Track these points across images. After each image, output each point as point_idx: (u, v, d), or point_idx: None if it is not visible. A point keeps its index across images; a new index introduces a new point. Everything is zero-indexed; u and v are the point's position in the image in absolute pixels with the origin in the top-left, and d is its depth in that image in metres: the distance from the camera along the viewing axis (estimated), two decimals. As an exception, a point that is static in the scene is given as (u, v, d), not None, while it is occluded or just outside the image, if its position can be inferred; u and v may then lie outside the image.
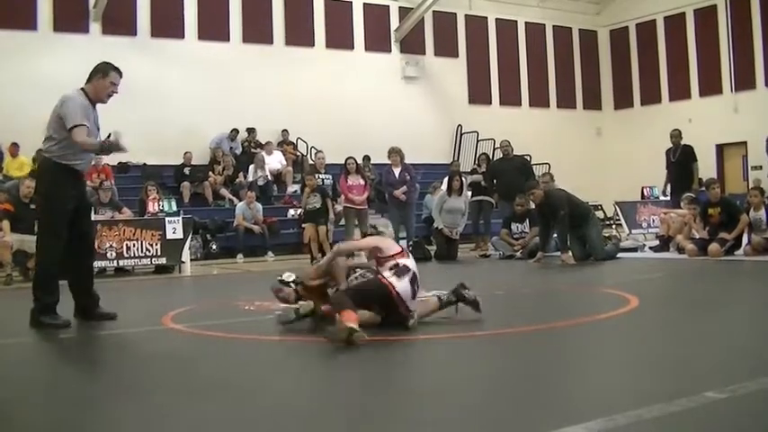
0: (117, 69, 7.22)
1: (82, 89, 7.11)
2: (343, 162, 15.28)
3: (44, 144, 7.00)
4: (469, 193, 16.64)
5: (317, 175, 15.45)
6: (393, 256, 6.15)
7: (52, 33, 19.01)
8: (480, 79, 25.59)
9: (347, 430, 3.51)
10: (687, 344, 5.27)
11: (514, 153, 16.38)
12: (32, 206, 12.69)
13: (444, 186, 15.74)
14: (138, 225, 13.25)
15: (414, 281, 6.08)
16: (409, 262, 6.21)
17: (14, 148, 17.26)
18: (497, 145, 18.60)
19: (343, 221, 15.50)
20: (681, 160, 15.43)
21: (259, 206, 17.19)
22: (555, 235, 12.93)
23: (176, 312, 7.50)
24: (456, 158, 23.42)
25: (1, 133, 17.45)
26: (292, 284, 6.50)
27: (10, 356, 5.80)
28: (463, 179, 15.60)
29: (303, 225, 15.74)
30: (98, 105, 7.28)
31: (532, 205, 13.59)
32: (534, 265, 12.42)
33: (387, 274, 6.02)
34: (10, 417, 3.95)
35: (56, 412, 4.01)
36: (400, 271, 6.05)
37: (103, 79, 7.20)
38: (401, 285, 5.98)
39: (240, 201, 17.49)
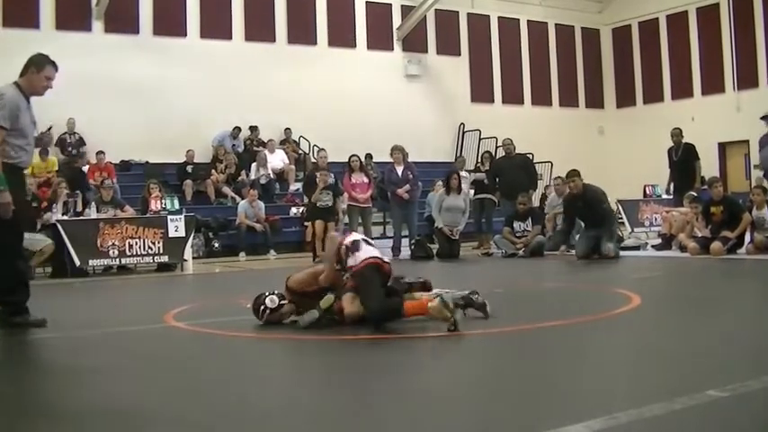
0: (53, 63, 6.89)
1: (15, 83, 6.74)
2: (347, 160, 15.28)
3: None
4: (472, 191, 16.68)
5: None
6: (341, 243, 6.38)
7: (54, 32, 18.96)
8: (483, 77, 25.56)
9: (347, 429, 3.50)
10: (689, 342, 5.27)
11: (517, 151, 16.36)
12: (34, 204, 12.75)
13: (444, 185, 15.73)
14: (141, 223, 13.24)
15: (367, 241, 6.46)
16: (353, 236, 6.57)
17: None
18: (500, 143, 18.59)
19: (346, 219, 15.50)
20: (683, 159, 15.42)
21: (261, 204, 17.20)
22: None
23: (178, 310, 7.51)
24: (459, 156, 23.42)
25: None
26: (284, 303, 6.33)
27: (13, 353, 5.80)
28: (462, 177, 15.64)
29: (307, 222, 15.76)
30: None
31: (535, 203, 13.66)
32: (538, 264, 12.49)
33: (358, 255, 6.17)
34: (15, 409, 3.96)
35: (53, 407, 4.01)
36: (354, 247, 6.23)
37: (38, 73, 6.84)
38: (370, 251, 6.24)
39: (242, 199, 17.48)
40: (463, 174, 17.81)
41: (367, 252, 6.17)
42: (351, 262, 6.12)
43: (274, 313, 6.29)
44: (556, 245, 14.38)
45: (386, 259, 6.29)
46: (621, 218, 18.02)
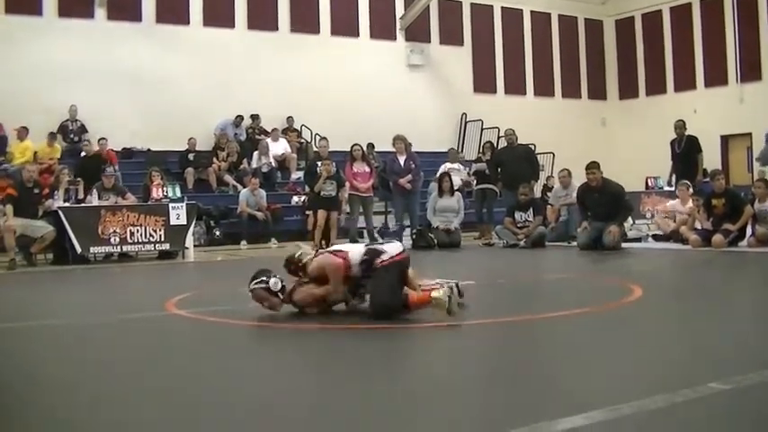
0: None
1: None
2: (349, 149, 15.26)
3: None
4: (474, 181, 16.68)
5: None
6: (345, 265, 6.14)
7: (57, 19, 18.94)
8: (485, 68, 25.50)
9: (347, 421, 3.50)
10: (691, 334, 5.27)
11: (519, 142, 16.32)
12: (36, 191, 12.75)
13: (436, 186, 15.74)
14: (142, 211, 13.23)
15: (375, 248, 6.27)
16: (356, 249, 6.30)
17: (23, 132, 17.21)
18: (502, 134, 18.55)
19: (347, 208, 15.49)
20: (685, 151, 15.40)
21: (263, 193, 17.17)
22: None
23: (179, 298, 7.51)
24: (461, 147, 23.41)
25: (7, 118, 17.44)
26: (279, 294, 6.19)
27: (14, 341, 5.81)
28: (455, 170, 15.67)
29: (308, 211, 15.76)
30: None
31: (536, 194, 13.64)
32: (540, 254, 12.51)
33: (384, 256, 6.07)
34: (16, 396, 3.96)
35: (54, 393, 4.02)
36: (376, 252, 6.13)
37: None
38: (395, 247, 6.19)
39: (244, 187, 17.46)
40: (457, 166, 17.87)
41: (393, 249, 6.14)
42: (378, 261, 6.03)
43: (267, 292, 6.15)
44: (559, 235, 14.40)
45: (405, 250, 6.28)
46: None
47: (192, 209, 13.67)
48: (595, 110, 27.72)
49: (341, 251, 6.26)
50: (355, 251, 6.22)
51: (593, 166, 13.12)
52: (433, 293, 5.74)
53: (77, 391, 4.14)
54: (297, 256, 6.35)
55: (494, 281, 8.84)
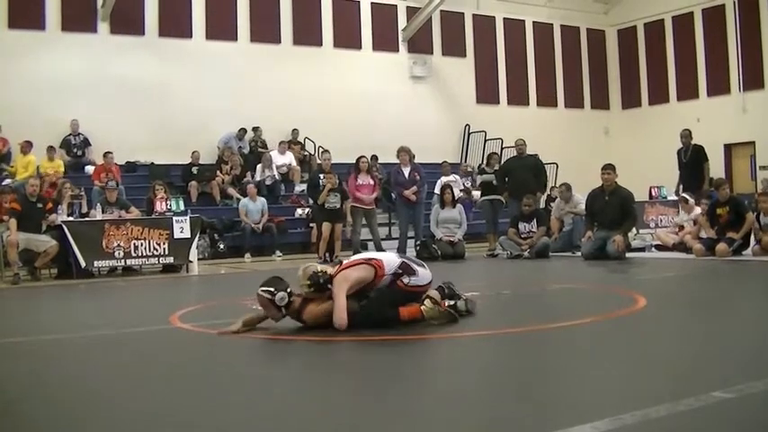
0: None
1: None
2: (355, 161, 15.27)
3: None
4: (478, 193, 16.65)
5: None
6: (379, 275, 6.15)
7: (60, 33, 19.00)
8: (488, 79, 25.53)
9: (357, 429, 3.50)
10: (694, 343, 5.26)
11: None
12: (39, 205, 12.76)
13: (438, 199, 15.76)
14: (146, 224, 13.24)
15: (410, 265, 6.30)
16: (393, 259, 6.32)
17: (27, 146, 17.22)
18: (506, 144, 18.53)
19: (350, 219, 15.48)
20: (692, 160, 15.38)
21: (263, 200, 17.25)
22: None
23: (184, 312, 7.52)
24: (464, 158, 23.45)
25: (11, 132, 17.48)
26: (283, 309, 6.09)
27: (19, 356, 5.81)
28: (450, 182, 15.68)
29: (312, 224, 15.74)
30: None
31: (541, 205, 13.61)
32: (544, 265, 12.50)
33: (406, 279, 6.15)
34: (20, 413, 3.96)
35: (59, 409, 4.02)
36: (410, 270, 6.19)
37: None
38: (423, 274, 6.27)
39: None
40: (452, 177, 17.87)
41: (424, 277, 6.25)
42: (405, 280, 6.15)
43: (270, 303, 6.05)
44: (563, 245, 14.38)
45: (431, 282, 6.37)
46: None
47: (195, 222, 13.67)
48: (598, 120, 27.73)
49: (374, 259, 6.25)
50: (390, 261, 6.26)
51: (608, 167, 13.15)
52: (423, 307, 5.80)
53: (76, 404, 4.14)
54: (320, 270, 6.14)
55: (498, 292, 8.84)
